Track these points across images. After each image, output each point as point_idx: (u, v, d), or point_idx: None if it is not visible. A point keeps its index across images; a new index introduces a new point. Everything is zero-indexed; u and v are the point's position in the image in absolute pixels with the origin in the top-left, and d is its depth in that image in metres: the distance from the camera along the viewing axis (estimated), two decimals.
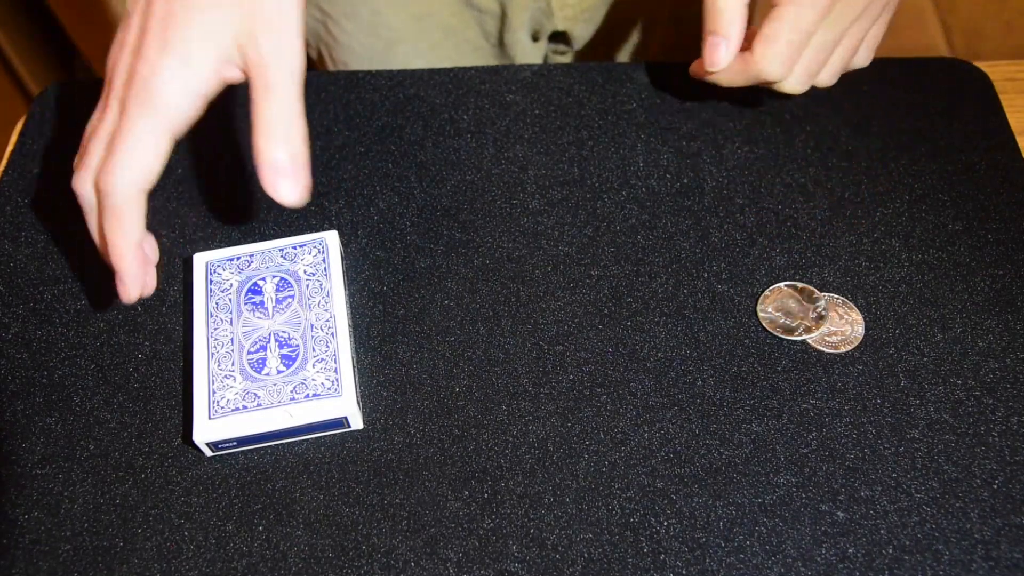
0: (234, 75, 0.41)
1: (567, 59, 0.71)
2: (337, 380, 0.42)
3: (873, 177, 0.52)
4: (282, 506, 0.42)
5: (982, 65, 0.57)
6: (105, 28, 1.34)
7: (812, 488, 0.42)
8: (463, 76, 0.57)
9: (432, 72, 0.57)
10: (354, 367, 0.45)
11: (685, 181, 0.52)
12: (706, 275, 0.48)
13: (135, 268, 0.40)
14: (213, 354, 0.43)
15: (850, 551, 0.40)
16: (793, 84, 0.48)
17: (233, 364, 0.43)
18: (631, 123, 0.54)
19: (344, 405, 0.42)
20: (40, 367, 0.46)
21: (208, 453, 0.43)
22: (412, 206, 0.51)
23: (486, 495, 0.42)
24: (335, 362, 0.43)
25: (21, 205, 0.52)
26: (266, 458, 0.43)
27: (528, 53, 0.68)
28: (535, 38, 0.68)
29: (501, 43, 0.68)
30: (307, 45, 0.75)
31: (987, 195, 0.51)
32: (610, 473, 0.42)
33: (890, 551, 0.40)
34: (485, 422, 0.44)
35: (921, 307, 0.47)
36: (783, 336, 0.46)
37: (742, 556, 0.40)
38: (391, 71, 0.57)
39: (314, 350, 0.43)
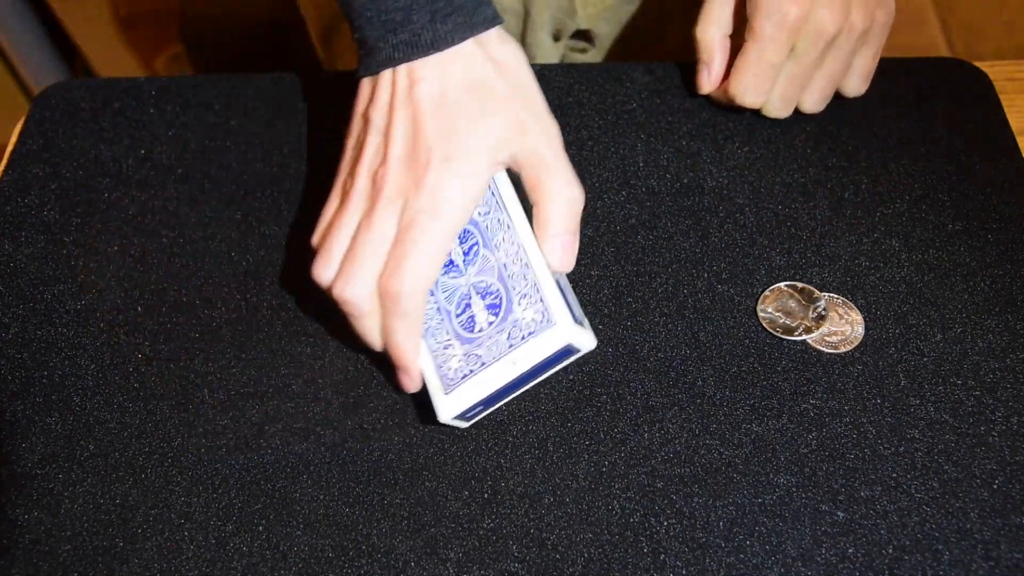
0: (499, 171, 0.44)
1: (587, 57, 0.72)
2: (545, 310, 0.40)
3: (873, 177, 0.52)
4: (282, 506, 0.42)
5: (982, 65, 0.57)
6: (105, 28, 1.34)
7: (812, 488, 0.42)
8: None
9: None
10: (561, 289, 0.41)
11: (685, 181, 0.52)
12: (706, 275, 0.48)
13: (418, 362, 0.42)
14: (427, 330, 0.42)
15: (850, 551, 0.40)
16: (773, 110, 0.53)
17: (448, 333, 0.42)
18: (631, 123, 0.54)
19: (561, 333, 0.39)
20: (40, 367, 0.46)
21: (463, 425, 0.42)
22: None
23: (486, 495, 0.42)
24: (538, 291, 0.40)
25: (21, 205, 0.52)
26: (266, 458, 0.43)
27: (548, 52, 0.68)
28: (556, 37, 0.68)
29: (523, 43, 0.68)
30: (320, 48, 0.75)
31: (987, 195, 0.51)
32: (610, 473, 0.42)
33: (890, 551, 0.40)
34: (485, 422, 0.44)
35: (921, 307, 0.47)
36: (783, 336, 0.46)
37: (742, 556, 0.40)
38: None
39: (515, 288, 0.41)
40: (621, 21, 0.69)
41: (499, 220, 0.42)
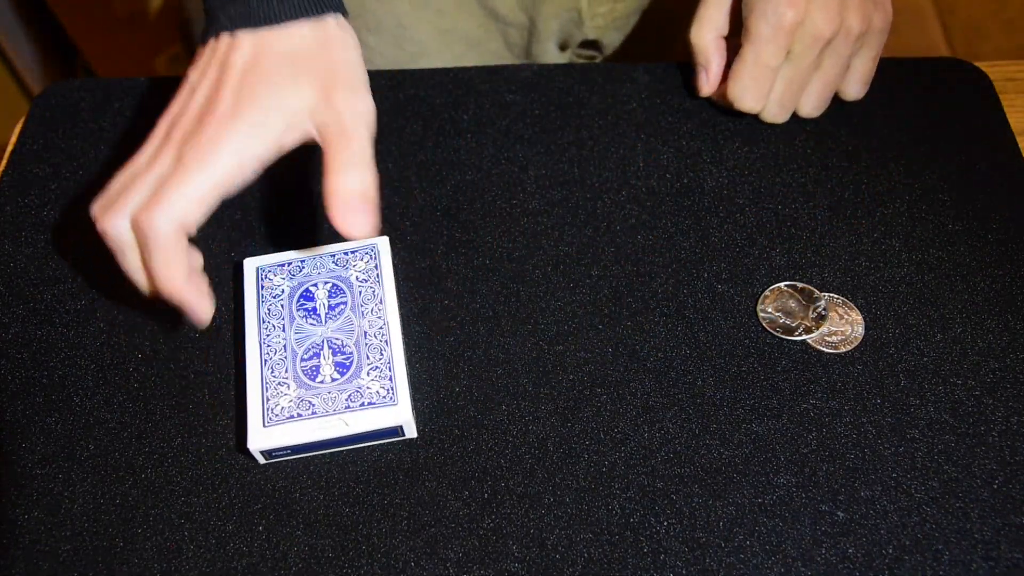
0: (294, 142, 0.43)
1: None
2: (392, 388, 0.42)
3: (873, 177, 0.52)
4: (282, 506, 0.42)
5: (982, 65, 0.57)
6: (105, 28, 1.34)
7: (812, 488, 0.42)
8: (463, 76, 0.57)
9: (432, 72, 0.57)
10: (407, 375, 0.44)
11: (685, 181, 0.52)
12: (706, 275, 0.48)
13: (195, 296, 0.41)
14: (266, 360, 0.43)
15: (850, 551, 0.40)
16: (770, 115, 0.53)
17: (287, 371, 0.43)
18: (631, 123, 0.54)
19: (400, 414, 0.42)
20: (40, 367, 0.46)
21: (261, 461, 0.43)
22: (412, 206, 0.51)
23: (486, 495, 0.42)
24: (390, 370, 0.43)
25: (21, 205, 0.52)
26: None
27: (554, 60, 0.68)
28: (563, 47, 0.68)
29: (528, 54, 0.68)
30: None
31: (987, 195, 0.51)
32: (610, 473, 0.42)
33: (890, 551, 0.40)
34: (485, 422, 0.44)
35: (921, 307, 0.47)
36: (783, 336, 0.46)
37: (742, 556, 0.40)
38: (391, 71, 0.57)
39: (368, 358, 0.43)
40: (629, 30, 0.68)
41: (374, 292, 0.45)
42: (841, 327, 0.46)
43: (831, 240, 0.49)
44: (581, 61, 0.72)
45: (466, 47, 0.66)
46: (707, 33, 0.52)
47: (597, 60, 0.71)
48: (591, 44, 0.69)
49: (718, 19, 0.52)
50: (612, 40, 0.69)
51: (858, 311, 0.47)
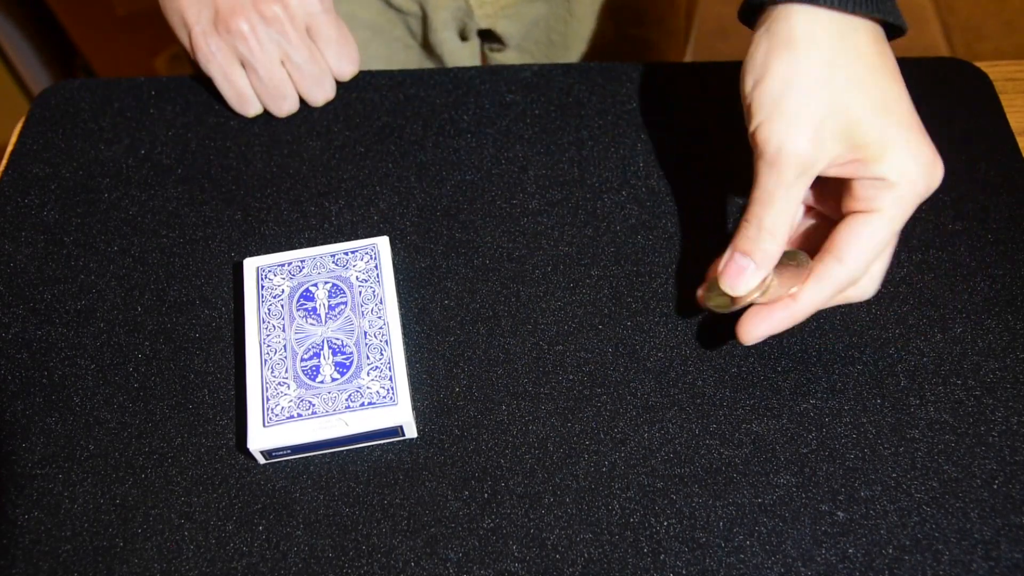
0: None
1: (503, 56, 0.72)
2: (392, 388, 0.42)
3: None
4: (282, 506, 0.42)
5: (982, 65, 0.57)
6: (105, 28, 1.34)
7: (812, 488, 0.42)
8: (463, 76, 0.57)
9: (432, 72, 0.57)
10: (407, 375, 0.44)
11: (685, 181, 0.52)
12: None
13: None
14: (266, 361, 0.43)
15: (850, 551, 0.40)
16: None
17: (287, 371, 0.43)
18: (631, 123, 0.54)
19: (400, 414, 0.42)
20: (40, 367, 0.46)
21: (261, 461, 0.43)
22: (412, 206, 0.51)
23: (486, 495, 0.42)
24: (390, 370, 0.43)
25: (21, 205, 0.52)
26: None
27: (458, 52, 0.69)
28: (464, 37, 0.68)
29: (426, 44, 0.68)
30: None
31: (987, 195, 0.51)
32: (610, 473, 0.42)
33: (890, 551, 0.40)
34: (485, 422, 0.44)
35: (921, 307, 0.47)
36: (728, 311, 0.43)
37: (742, 556, 0.40)
38: (391, 71, 0.57)
39: (368, 358, 0.43)
40: (527, 20, 0.68)
41: (373, 292, 0.45)
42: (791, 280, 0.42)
43: None
44: (493, 54, 0.72)
45: (370, 34, 0.67)
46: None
47: (504, 52, 0.71)
48: (488, 35, 0.69)
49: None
50: (509, 30, 0.68)
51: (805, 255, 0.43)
